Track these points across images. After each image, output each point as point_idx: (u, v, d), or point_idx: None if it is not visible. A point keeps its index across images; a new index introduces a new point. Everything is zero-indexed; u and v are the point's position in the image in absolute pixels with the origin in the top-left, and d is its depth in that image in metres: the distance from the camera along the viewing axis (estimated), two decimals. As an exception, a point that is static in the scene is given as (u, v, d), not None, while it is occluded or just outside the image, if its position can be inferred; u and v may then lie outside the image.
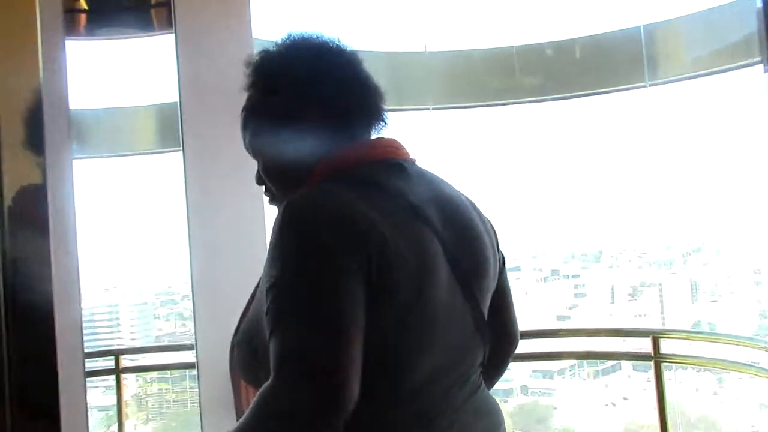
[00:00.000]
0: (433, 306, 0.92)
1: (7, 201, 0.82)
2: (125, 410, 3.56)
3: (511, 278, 1.17)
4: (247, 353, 0.98)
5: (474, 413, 0.99)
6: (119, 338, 5.51)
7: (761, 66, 3.18)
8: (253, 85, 1.06)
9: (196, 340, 2.66)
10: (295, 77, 1.02)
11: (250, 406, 0.84)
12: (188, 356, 2.87)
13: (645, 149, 4.97)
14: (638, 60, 3.92)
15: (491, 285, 1.04)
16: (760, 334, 5.36)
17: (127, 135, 4.37)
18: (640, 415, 5.43)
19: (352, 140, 1.03)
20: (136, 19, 3.09)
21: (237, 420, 0.99)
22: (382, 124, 1.07)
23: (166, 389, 5.27)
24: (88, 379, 3.71)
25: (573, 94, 4.29)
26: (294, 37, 1.06)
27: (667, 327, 5.61)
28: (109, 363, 3.47)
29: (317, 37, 1.07)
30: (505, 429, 1.06)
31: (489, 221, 1.10)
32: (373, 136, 1.07)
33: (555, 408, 5.79)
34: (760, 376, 2.84)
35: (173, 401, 5.26)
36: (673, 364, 3.10)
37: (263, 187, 1.10)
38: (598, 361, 5.18)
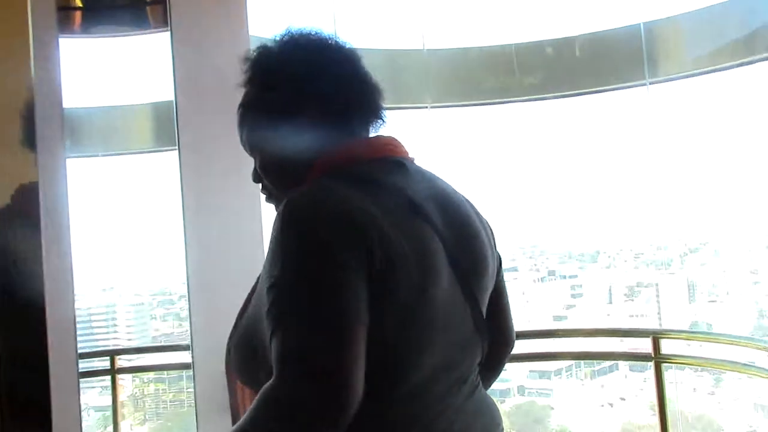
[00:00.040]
0: (434, 304, 0.91)
1: (-1, 199, 0.82)
2: (121, 411, 3.56)
3: (508, 278, 1.17)
4: (246, 353, 0.97)
5: (473, 413, 0.99)
6: (116, 339, 5.49)
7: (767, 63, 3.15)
8: (251, 81, 1.06)
9: (191, 341, 2.65)
10: (294, 73, 1.02)
11: (251, 406, 0.83)
12: (185, 357, 2.86)
13: (645, 149, 4.95)
14: (638, 58, 3.90)
15: (489, 284, 1.05)
16: (758, 334, 5.36)
17: (122, 134, 4.36)
18: (638, 415, 5.45)
19: (351, 137, 1.03)
20: (132, 16, 3.07)
21: (232, 421, 1.00)
22: (380, 121, 1.07)
23: (162, 389, 5.26)
24: (84, 379, 3.72)
25: (572, 92, 4.27)
26: (292, 33, 1.05)
27: (665, 327, 5.61)
28: (104, 363, 3.46)
29: (316, 33, 1.06)
30: (503, 429, 1.06)
31: (486, 221, 1.10)
32: (372, 134, 1.07)
33: (552, 408, 5.80)
34: (761, 377, 2.83)
35: (170, 401, 5.26)
36: (672, 365, 3.10)
37: (260, 185, 1.09)
38: (594, 361, 5.19)
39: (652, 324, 5.95)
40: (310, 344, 0.82)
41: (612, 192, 5.95)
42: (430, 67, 4.24)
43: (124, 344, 5.45)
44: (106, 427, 4.00)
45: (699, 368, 4.30)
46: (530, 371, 5.84)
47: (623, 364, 5.53)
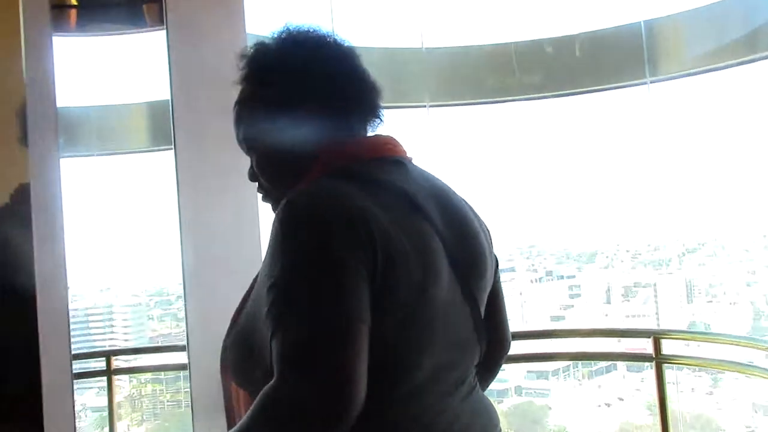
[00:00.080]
0: (434, 304, 0.91)
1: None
2: (118, 412, 3.56)
3: (506, 278, 1.16)
4: (242, 353, 0.96)
5: (472, 413, 0.98)
6: (113, 339, 5.48)
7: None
8: (248, 77, 1.04)
9: (187, 341, 2.65)
10: (292, 70, 1.00)
11: (252, 407, 0.82)
12: (181, 357, 2.85)
13: (645, 148, 4.94)
14: (639, 56, 3.88)
15: (488, 285, 1.04)
16: (755, 334, 5.37)
17: (118, 133, 4.36)
18: (635, 415, 5.46)
19: (350, 136, 1.02)
20: (128, 14, 3.06)
21: (227, 424, 0.99)
22: (378, 120, 1.05)
23: (160, 390, 5.26)
24: (81, 380, 3.72)
25: (572, 91, 4.27)
26: (290, 30, 1.04)
27: (663, 327, 5.60)
28: (101, 364, 3.45)
29: (314, 30, 1.04)
30: (500, 430, 1.06)
31: (484, 222, 1.09)
32: (370, 133, 1.05)
33: (550, 408, 5.81)
34: (761, 377, 2.82)
35: (167, 402, 5.26)
36: (673, 365, 3.08)
37: (256, 184, 1.08)
38: (592, 361, 5.20)
39: (650, 324, 5.96)
40: (312, 344, 0.81)
41: (610, 192, 5.95)
42: (429, 65, 4.23)
43: (122, 345, 5.45)
44: (103, 427, 4.00)
45: (697, 368, 4.30)
46: (528, 371, 5.85)
47: (621, 364, 5.54)
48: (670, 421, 2.89)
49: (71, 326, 2.34)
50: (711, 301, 5.85)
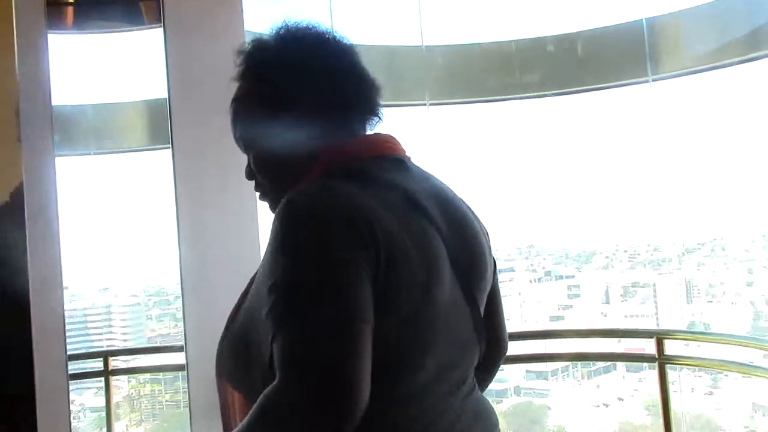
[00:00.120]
0: (436, 303, 0.90)
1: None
2: (116, 412, 3.55)
3: (505, 279, 1.15)
4: (239, 355, 0.95)
5: (473, 414, 0.98)
6: (111, 339, 5.47)
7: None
8: (245, 74, 1.03)
9: (185, 341, 2.63)
10: (290, 66, 0.99)
11: (252, 410, 0.81)
12: (180, 358, 2.84)
13: (647, 147, 4.93)
14: (641, 54, 3.87)
15: (487, 286, 1.04)
16: (755, 334, 5.37)
17: (115, 132, 4.36)
18: (635, 415, 5.47)
19: (349, 134, 1.01)
20: (125, 12, 3.05)
21: (224, 429, 0.98)
22: (377, 119, 1.04)
23: (158, 390, 5.25)
24: (79, 381, 3.71)
25: (573, 89, 4.26)
26: (288, 26, 1.02)
27: (665, 328, 5.60)
28: (99, 364, 3.44)
29: (313, 27, 1.03)
30: (500, 430, 1.06)
31: (482, 223, 1.09)
32: (369, 132, 1.05)
33: (549, 408, 5.81)
34: (764, 377, 2.81)
35: (166, 402, 5.26)
36: (675, 365, 3.07)
37: (253, 182, 1.06)
38: (591, 362, 5.21)
39: (649, 324, 5.96)
40: (314, 346, 0.80)
41: (610, 191, 5.94)
42: (430, 63, 4.22)
43: (120, 345, 5.44)
44: (101, 428, 4.00)
45: (697, 368, 4.29)
46: (527, 371, 5.85)
47: (620, 364, 5.55)
48: (673, 422, 2.88)
49: (70, 326, 2.34)
50: (711, 301, 5.85)
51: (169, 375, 4.77)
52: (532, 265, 6.32)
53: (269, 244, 0.88)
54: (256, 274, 0.97)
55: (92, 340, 5.42)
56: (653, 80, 3.86)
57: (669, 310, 5.83)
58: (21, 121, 1.26)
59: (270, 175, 1.03)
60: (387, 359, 0.85)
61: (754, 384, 4.76)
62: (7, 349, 0.83)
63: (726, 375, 4.96)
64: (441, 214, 0.96)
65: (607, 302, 6.14)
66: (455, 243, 0.95)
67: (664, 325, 5.95)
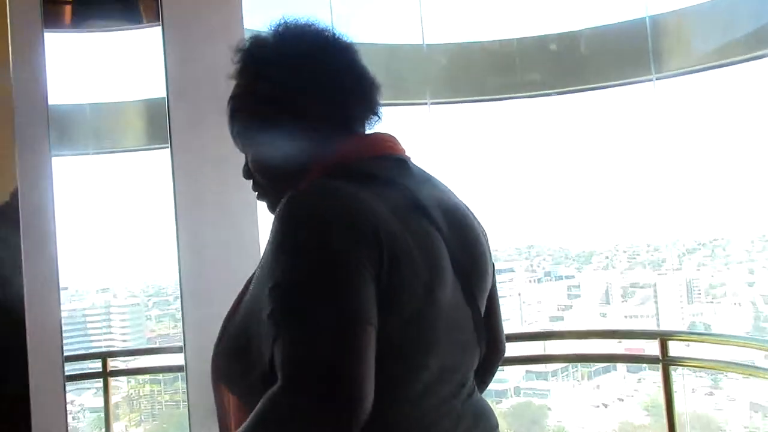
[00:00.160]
0: (439, 304, 0.90)
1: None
2: (115, 413, 3.55)
3: (505, 279, 1.14)
4: (236, 358, 0.93)
5: (473, 416, 0.98)
6: (110, 340, 5.47)
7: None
8: (243, 71, 1.01)
9: (184, 342, 2.62)
10: (289, 64, 0.98)
11: (254, 413, 0.80)
12: (178, 359, 2.83)
13: (650, 146, 4.91)
14: (644, 53, 3.85)
15: (488, 287, 1.04)
16: (756, 334, 5.37)
17: (114, 131, 4.36)
18: (635, 415, 5.47)
19: (349, 133, 1.00)
20: (123, 10, 3.04)
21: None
22: (376, 118, 1.03)
23: (158, 390, 5.25)
24: (78, 381, 3.71)
25: (576, 88, 4.24)
26: (287, 23, 1.01)
27: (669, 329, 5.58)
28: (97, 365, 3.43)
29: (312, 24, 1.02)
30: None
31: (481, 224, 1.08)
32: (368, 131, 1.04)
33: (549, 409, 5.81)
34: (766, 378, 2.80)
35: (165, 403, 5.25)
36: (679, 367, 3.05)
37: (251, 181, 1.05)
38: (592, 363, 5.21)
39: (650, 325, 5.96)
40: (318, 348, 0.79)
41: (611, 191, 5.93)
42: (431, 62, 4.21)
43: (120, 345, 5.44)
44: (101, 429, 3.99)
45: (697, 369, 4.28)
46: (527, 372, 5.85)
47: (620, 365, 5.54)
48: (677, 424, 2.86)
49: (70, 327, 2.33)
50: (711, 302, 5.84)
51: (169, 375, 4.77)
52: (532, 265, 6.32)
53: (269, 244, 0.87)
54: (253, 275, 0.95)
55: (92, 341, 5.42)
56: (656, 79, 3.84)
57: (670, 310, 5.83)
58: (17, 122, 1.24)
59: (268, 174, 1.01)
60: (390, 360, 0.84)
61: (755, 384, 4.75)
62: (3, 351, 0.82)
63: (726, 375, 4.96)
64: (442, 215, 0.95)
65: (608, 303, 6.14)
66: (456, 244, 0.95)
67: (665, 326, 5.95)
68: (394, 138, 1.02)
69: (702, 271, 5.93)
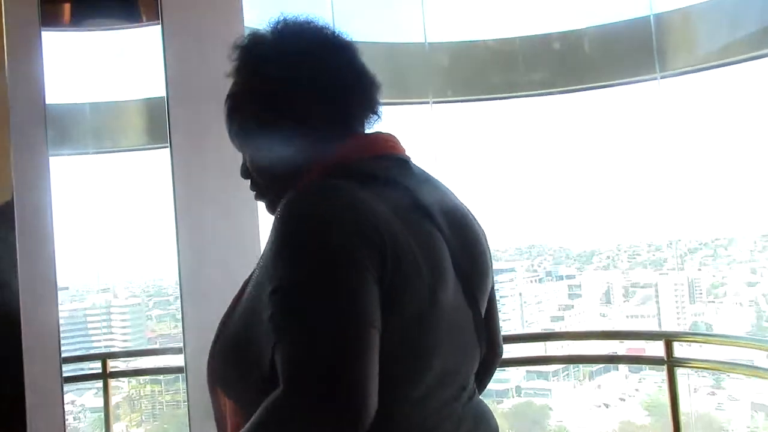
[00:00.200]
0: (441, 306, 0.89)
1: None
2: (116, 413, 3.55)
3: (505, 279, 1.13)
4: (233, 362, 0.92)
5: (473, 419, 0.98)
6: (111, 340, 5.46)
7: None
8: (241, 69, 0.99)
9: (184, 342, 2.62)
10: (288, 62, 0.97)
11: (256, 414, 0.79)
12: (178, 360, 2.82)
13: (654, 145, 4.89)
14: (648, 51, 3.83)
15: (488, 289, 1.03)
16: (758, 335, 5.36)
17: (113, 130, 4.36)
18: (636, 415, 5.46)
19: (349, 132, 0.98)
20: (122, 9, 3.04)
21: None
22: (376, 117, 1.02)
23: (158, 391, 5.25)
24: (78, 382, 3.70)
25: (580, 87, 4.23)
26: (287, 20, 0.99)
27: (671, 330, 5.57)
28: (97, 366, 3.42)
29: (312, 21, 1.00)
30: None
31: (481, 225, 1.07)
32: (368, 131, 1.02)
33: (551, 409, 5.80)
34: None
35: (166, 403, 5.25)
36: (683, 367, 3.03)
37: (249, 180, 1.03)
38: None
39: (651, 325, 5.95)
40: (321, 351, 0.78)
41: (613, 190, 5.91)
42: (433, 61, 4.20)
43: (120, 345, 5.43)
44: (101, 429, 3.98)
45: (700, 369, 4.27)
46: (528, 372, 5.84)
47: (621, 365, 5.54)
48: (682, 425, 2.85)
49: (70, 327, 2.31)
50: (713, 302, 5.83)
51: (169, 376, 4.76)
52: (533, 265, 6.31)
53: (269, 244, 0.86)
54: (250, 276, 0.94)
55: (92, 341, 5.42)
56: (661, 77, 3.82)
57: (671, 310, 5.82)
58: (13, 121, 1.22)
59: (266, 174, 1.00)
60: (392, 362, 0.83)
61: (757, 384, 4.74)
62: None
63: (728, 375, 4.95)
64: (442, 216, 0.94)
65: (609, 303, 6.13)
66: (457, 245, 0.94)
67: (666, 326, 5.93)
68: (395, 138, 1.01)
69: (704, 271, 5.91)
